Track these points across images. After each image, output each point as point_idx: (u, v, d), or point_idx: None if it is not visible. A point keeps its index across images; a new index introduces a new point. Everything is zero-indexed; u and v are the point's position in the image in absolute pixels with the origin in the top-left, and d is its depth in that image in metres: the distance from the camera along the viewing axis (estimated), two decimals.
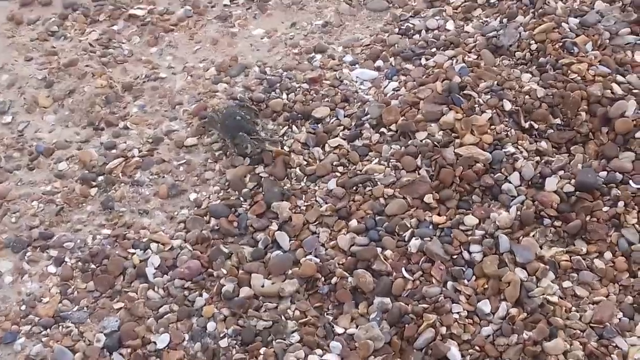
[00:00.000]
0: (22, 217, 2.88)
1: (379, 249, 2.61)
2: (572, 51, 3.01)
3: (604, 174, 2.71)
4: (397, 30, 3.38)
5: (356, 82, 3.17)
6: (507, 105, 2.87)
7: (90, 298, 2.66)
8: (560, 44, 3.04)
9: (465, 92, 2.91)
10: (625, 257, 2.57)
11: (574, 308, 2.47)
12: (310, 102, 3.09)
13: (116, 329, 2.57)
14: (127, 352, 2.52)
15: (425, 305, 2.48)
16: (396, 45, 3.29)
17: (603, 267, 2.55)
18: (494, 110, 2.86)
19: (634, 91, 2.86)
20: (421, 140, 2.83)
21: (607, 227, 2.61)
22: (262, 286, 2.58)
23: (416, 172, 2.78)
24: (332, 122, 3.01)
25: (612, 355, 2.38)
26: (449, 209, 2.69)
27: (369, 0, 3.53)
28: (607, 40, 3.07)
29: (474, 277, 2.55)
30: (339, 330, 2.50)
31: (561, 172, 2.71)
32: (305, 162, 2.91)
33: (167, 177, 2.96)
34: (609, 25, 3.11)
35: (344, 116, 3.02)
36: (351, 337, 2.48)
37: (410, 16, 3.43)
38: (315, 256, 2.63)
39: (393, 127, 2.92)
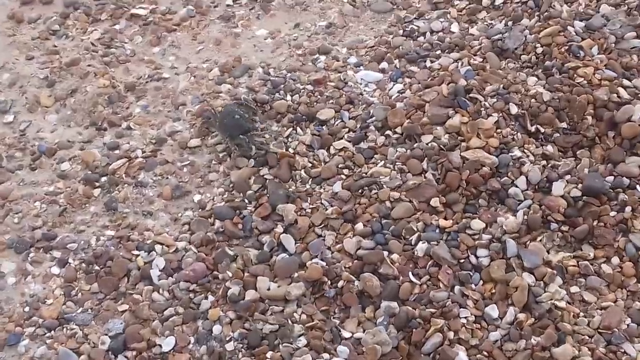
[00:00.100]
0: (24, 217, 2.85)
1: (385, 253, 2.60)
2: (578, 55, 3.00)
3: (610, 178, 2.70)
4: (401, 32, 3.36)
5: (361, 84, 3.16)
6: (514, 109, 2.86)
7: (94, 300, 2.64)
8: (566, 47, 3.03)
9: (471, 95, 2.90)
10: (633, 262, 2.57)
11: (582, 313, 2.47)
12: (315, 103, 3.08)
13: (121, 331, 2.55)
14: (132, 354, 2.50)
15: (433, 310, 2.47)
16: (401, 47, 3.27)
17: (610, 272, 2.55)
18: (500, 114, 2.85)
19: None
20: (427, 144, 2.82)
21: (614, 232, 2.61)
22: (268, 289, 2.57)
23: (422, 175, 2.77)
24: (337, 124, 2.99)
25: None
26: (455, 213, 2.68)
27: (373, 1, 3.51)
28: (613, 44, 3.06)
29: (481, 282, 2.54)
30: (346, 334, 2.49)
31: (568, 177, 2.70)
32: (310, 165, 2.89)
33: (170, 178, 2.94)
34: (615, 29, 3.10)
35: (349, 118, 3.01)
36: (358, 342, 2.47)
37: (415, 18, 3.42)
38: (322, 259, 2.62)
39: (398, 129, 2.91)
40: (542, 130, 2.85)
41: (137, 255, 2.71)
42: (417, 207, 2.70)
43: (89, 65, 3.32)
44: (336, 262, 2.61)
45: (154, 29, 3.48)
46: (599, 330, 2.43)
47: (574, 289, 2.52)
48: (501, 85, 2.93)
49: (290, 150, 2.94)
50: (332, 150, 2.93)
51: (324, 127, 3.00)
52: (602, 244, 2.60)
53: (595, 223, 2.61)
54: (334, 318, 2.54)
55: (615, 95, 2.86)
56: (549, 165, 2.75)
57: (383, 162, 2.84)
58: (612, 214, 2.63)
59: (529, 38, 3.12)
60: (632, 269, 2.55)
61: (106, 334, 2.55)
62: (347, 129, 2.98)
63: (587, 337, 2.42)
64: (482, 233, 2.61)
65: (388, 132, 2.91)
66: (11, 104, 3.21)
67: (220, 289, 2.60)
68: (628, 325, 2.45)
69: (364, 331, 2.48)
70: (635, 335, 2.43)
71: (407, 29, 3.37)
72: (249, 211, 2.79)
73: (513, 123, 2.85)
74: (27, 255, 2.75)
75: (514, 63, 3.09)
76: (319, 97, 3.11)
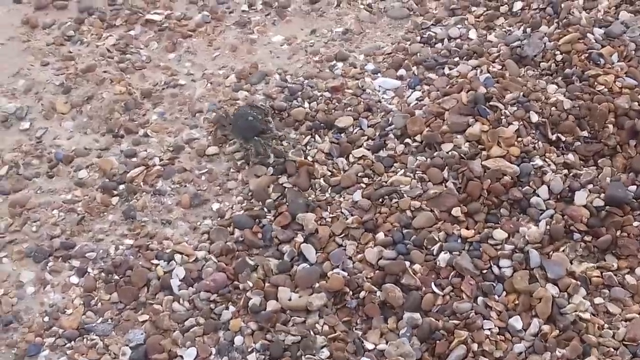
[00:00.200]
0: (42, 226, 2.84)
1: (407, 263, 2.58)
2: (598, 62, 2.99)
3: (633, 188, 2.69)
4: (418, 38, 3.35)
5: (379, 91, 3.14)
6: (534, 117, 2.84)
7: (114, 310, 2.63)
8: (586, 55, 3.02)
9: (491, 103, 2.88)
10: None
11: (606, 325, 2.45)
12: (333, 111, 3.06)
13: (142, 342, 2.54)
14: None
15: (456, 321, 2.45)
16: (418, 54, 3.26)
17: (634, 283, 2.53)
18: (521, 122, 2.83)
19: None
20: (447, 152, 2.80)
21: (637, 242, 2.59)
22: (290, 300, 2.55)
23: (443, 184, 2.75)
24: (356, 132, 2.98)
25: None
26: (477, 223, 2.67)
27: (389, 7, 3.49)
28: (633, 52, 3.05)
29: (504, 293, 2.53)
30: (369, 346, 2.47)
31: (590, 186, 2.68)
32: (329, 173, 2.88)
33: (189, 186, 2.93)
34: (635, 37, 3.09)
35: (368, 126, 3.00)
36: (381, 353, 2.45)
37: (432, 24, 3.40)
38: (343, 269, 2.60)
39: (418, 137, 2.89)
40: (563, 138, 2.83)
41: (157, 265, 2.70)
42: (439, 217, 2.69)
43: (104, 72, 3.31)
44: (357, 272, 2.59)
45: (170, 34, 3.47)
46: (624, 343, 2.42)
47: (598, 300, 2.50)
48: (521, 93, 2.92)
49: (309, 158, 2.92)
50: (351, 159, 2.91)
51: (342, 134, 2.98)
52: (626, 255, 2.58)
53: (618, 233, 2.60)
54: (356, 329, 2.52)
55: (636, 103, 2.85)
56: (571, 174, 2.73)
57: (403, 170, 2.82)
58: (636, 224, 2.61)
59: (548, 45, 3.10)
60: None
61: (127, 345, 2.54)
62: (366, 137, 2.96)
63: (612, 350, 2.40)
64: (505, 243, 2.59)
65: (407, 140, 2.90)
66: (27, 111, 3.19)
67: (241, 299, 2.58)
68: None
69: (386, 343, 2.47)
70: None
71: (424, 35, 3.35)
72: (269, 220, 2.77)
73: (534, 132, 2.83)
74: (45, 265, 2.74)
75: (533, 70, 3.07)
76: (337, 104, 3.09)
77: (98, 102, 3.20)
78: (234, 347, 2.51)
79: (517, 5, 3.37)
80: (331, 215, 2.76)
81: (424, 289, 2.53)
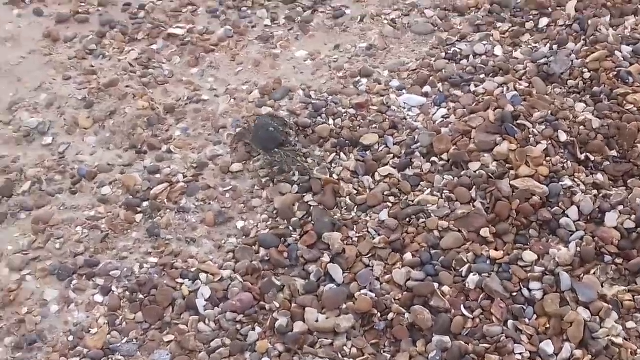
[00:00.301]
0: (66, 243, 2.82)
1: (436, 285, 2.55)
2: (627, 81, 2.96)
3: None
4: (443, 54, 3.32)
5: (404, 108, 3.12)
6: (563, 137, 2.82)
7: (139, 330, 2.60)
8: (614, 72, 2.99)
9: (518, 121, 2.85)
10: None
11: (639, 350, 2.41)
12: (358, 128, 3.04)
13: None
14: None
15: (487, 345, 2.42)
16: (443, 70, 3.23)
17: None
18: (549, 142, 2.80)
19: None
20: (475, 171, 2.77)
21: None
22: (317, 321, 2.53)
23: (471, 204, 2.72)
24: (381, 150, 2.95)
25: None
26: (506, 244, 2.64)
27: (414, 23, 3.47)
28: None
29: (535, 316, 2.49)
30: None
31: (620, 207, 2.65)
32: (355, 191, 2.85)
33: (213, 204, 2.90)
34: None
35: (393, 144, 2.97)
36: None
37: (457, 40, 3.38)
38: (371, 290, 2.58)
39: (444, 156, 2.87)
40: (592, 158, 2.81)
41: (182, 284, 2.67)
42: (467, 237, 2.66)
43: (127, 86, 3.29)
44: (385, 293, 2.57)
45: (192, 49, 3.45)
46: None
47: (630, 324, 2.47)
48: (549, 112, 2.89)
49: (335, 176, 2.89)
50: (377, 177, 2.88)
51: (367, 152, 2.96)
52: None
53: None
54: (384, 352, 2.49)
55: None
56: (601, 195, 2.70)
57: (430, 189, 2.79)
58: None
59: (575, 63, 3.08)
60: None
61: None
62: (391, 155, 2.94)
63: None
64: (535, 265, 2.56)
65: (434, 158, 2.87)
66: (49, 126, 3.18)
67: (268, 320, 2.56)
68: None
69: None
70: None
71: (449, 51, 3.32)
72: (294, 239, 2.75)
73: (562, 151, 2.80)
74: (69, 283, 2.71)
75: (561, 88, 3.05)
76: (361, 121, 3.07)
77: (121, 117, 3.18)
78: None
79: (543, 22, 3.34)
80: (358, 235, 2.73)
81: (453, 311, 2.50)
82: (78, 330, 2.60)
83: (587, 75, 3.03)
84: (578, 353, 2.40)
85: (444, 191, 2.76)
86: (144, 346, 2.57)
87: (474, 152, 2.82)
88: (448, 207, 2.72)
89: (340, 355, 2.45)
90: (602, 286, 2.52)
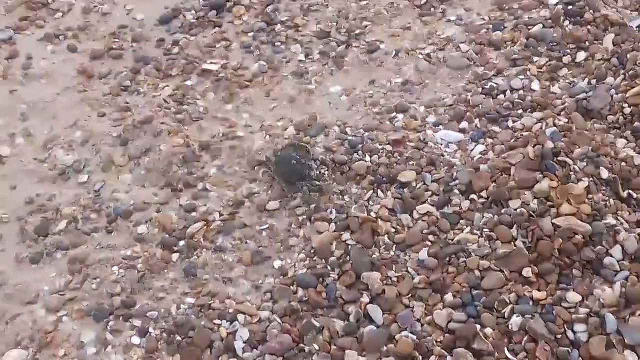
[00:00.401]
0: (102, 283, 2.80)
1: (478, 326, 2.50)
2: None
3: None
4: (480, 89, 3.28)
5: (441, 144, 3.08)
6: (604, 174, 2.77)
7: None
8: None
9: (559, 158, 2.81)
10: None
11: None
12: (395, 165, 3.00)
13: None
14: None
15: None
16: (480, 105, 3.19)
17: None
18: (591, 179, 2.76)
19: None
20: (515, 209, 2.73)
21: None
22: None
23: (512, 243, 2.68)
24: (419, 187, 2.92)
25: None
26: (549, 284, 2.59)
27: (449, 57, 3.44)
28: None
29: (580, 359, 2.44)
30: None
31: None
32: (393, 230, 2.82)
33: (250, 243, 2.88)
34: None
35: (432, 181, 2.93)
36: None
37: (493, 75, 3.33)
38: (412, 332, 2.54)
39: (484, 194, 2.83)
40: (635, 195, 2.76)
41: (220, 325, 2.64)
42: (509, 278, 2.62)
43: (162, 123, 3.28)
44: (427, 335, 2.53)
45: (227, 85, 3.43)
46: None
47: None
48: (590, 148, 2.84)
49: (372, 214, 2.86)
50: (415, 215, 2.85)
51: (405, 190, 2.92)
52: None
53: None
54: None
55: None
56: None
57: (469, 228, 2.76)
58: None
59: (615, 98, 3.04)
60: None
61: None
62: (430, 193, 2.90)
63: None
64: (579, 306, 2.51)
65: (473, 196, 2.83)
66: (85, 163, 3.17)
67: None
68: None
69: None
70: None
71: (486, 86, 3.28)
72: (333, 279, 2.72)
73: (604, 188, 2.76)
74: (106, 324, 2.69)
75: (601, 124, 3.01)
76: (398, 158, 3.03)
77: (156, 154, 3.17)
78: None
79: (581, 56, 3.30)
80: (397, 275, 2.69)
81: (497, 354, 2.46)
82: None
83: (627, 110, 2.99)
84: None
85: (484, 230, 2.73)
86: None
87: (514, 189, 2.78)
88: (489, 246, 2.69)
89: None
90: None
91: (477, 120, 3.15)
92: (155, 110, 3.35)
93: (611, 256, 2.61)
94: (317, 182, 2.94)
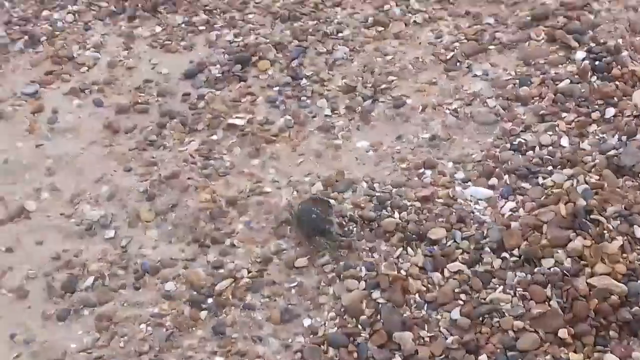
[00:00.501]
0: (130, 341, 2.77)
1: None
2: None
3: None
4: (508, 145, 3.25)
5: (470, 201, 3.06)
6: (638, 232, 2.74)
7: None
8: None
9: (592, 216, 2.78)
10: None
11: None
12: (424, 222, 2.98)
13: None
14: None
15: None
16: (509, 161, 3.17)
17: None
18: (625, 237, 2.73)
19: None
20: (549, 268, 2.70)
21: None
22: None
23: (546, 303, 2.64)
24: (450, 245, 2.89)
25: None
26: (585, 346, 2.56)
27: (476, 113, 3.42)
28: None
29: None
30: None
31: None
32: (424, 288, 2.78)
33: (279, 300, 2.85)
34: None
35: (462, 238, 2.90)
36: None
37: (521, 131, 3.31)
38: None
39: (516, 252, 2.80)
40: None
41: None
42: (544, 339, 2.58)
43: (188, 178, 3.26)
44: None
45: (253, 140, 3.42)
46: None
47: None
48: (623, 206, 2.82)
49: (402, 272, 2.83)
50: (446, 273, 2.82)
51: (435, 247, 2.89)
52: None
53: None
54: None
55: None
56: None
57: (502, 287, 2.73)
58: None
59: None
60: None
61: None
62: (460, 250, 2.87)
63: None
64: None
65: (505, 254, 2.80)
66: (111, 219, 3.15)
67: None
68: None
69: None
70: None
71: (514, 142, 3.26)
72: (364, 338, 2.68)
73: (639, 247, 2.72)
74: None
75: (632, 181, 2.98)
76: (427, 214, 3.01)
77: (183, 210, 3.15)
78: None
79: (610, 112, 3.27)
80: (429, 335, 2.66)
81: None
82: None
83: None
84: None
85: (517, 289, 2.70)
86: None
87: (547, 247, 2.75)
88: (522, 306, 2.65)
89: None
90: None
91: (506, 177, 3.12)
92: (181, 165, 3.33)
93: None
94: (341, 237, 2.91)
